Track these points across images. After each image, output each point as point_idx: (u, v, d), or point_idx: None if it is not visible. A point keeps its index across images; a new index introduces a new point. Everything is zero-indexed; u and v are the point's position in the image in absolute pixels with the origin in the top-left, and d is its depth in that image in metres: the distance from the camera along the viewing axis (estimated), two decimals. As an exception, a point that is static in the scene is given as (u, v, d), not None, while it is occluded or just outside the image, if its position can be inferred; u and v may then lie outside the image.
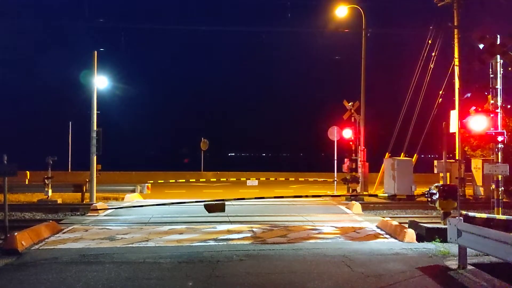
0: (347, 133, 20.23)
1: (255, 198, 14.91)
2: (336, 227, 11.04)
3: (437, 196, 9.70)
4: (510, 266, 6.28)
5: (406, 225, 10.26)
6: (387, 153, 21.94)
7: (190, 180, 28.40)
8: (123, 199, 17.94)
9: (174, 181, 26.20)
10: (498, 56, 10.89)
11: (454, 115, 18.21)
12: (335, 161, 20.69)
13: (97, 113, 17.31)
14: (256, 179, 23.62)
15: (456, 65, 18.97)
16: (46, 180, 16.98)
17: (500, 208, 10.95)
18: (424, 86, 21.23)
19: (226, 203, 11.97)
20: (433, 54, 20.75)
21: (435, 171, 19.25)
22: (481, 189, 18.92)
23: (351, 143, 20.36)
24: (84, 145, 17.61)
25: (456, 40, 19.00)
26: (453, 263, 7.31)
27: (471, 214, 10.61)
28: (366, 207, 15.92)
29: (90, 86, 17.45)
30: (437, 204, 9.76)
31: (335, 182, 20.79)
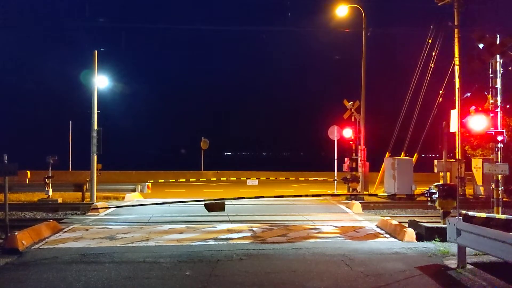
0: (347, 133, 20.24)
1: (255, 197, 14.92)
2: (336, 227, 11.06)
3: (437, 195, 9.71)
4: (510, 266, 6.30)
5: (406, 225, 10.27)
6: (387, 153, 21.94)
7: (191, 179, 28.41)
8: (123, 198, 17.96)
9: (174, 180, 26.22)
10: (498, 56, 10.90)
11: (454, 114, 18.17)
12: (335, 161, 20.70)
13: (97, 113, 17.32)
14: (256, 178, 23.63)
15: (457, 65, 18.97)
16: (46, 180, 17.01)
17: (500, 208, 10.97)
18: (424, 86, 21.23)
19: (226, 202, 12.01)
20: (433, 53, 20.75)
21: (435, 171, 19.25)
22: (481, 188, 18.92)
23: (351, 142, 20.37)
24: (85, 144, 17.62)
25: (456, 40, 18.99)
26: (452, 263, 7.32)
27: (470, 213, 10.62)
28: (366, 206, 15.94)
29: (90, 86, 17.46)
30: (436, 204, 9.77)
31: (335, 181, 20.81)
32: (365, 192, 19.72)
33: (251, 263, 7.46)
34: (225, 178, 30.23)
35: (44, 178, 17.15)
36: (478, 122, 10.86)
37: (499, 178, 11.02)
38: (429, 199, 10.07)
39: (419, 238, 9.38)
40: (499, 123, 10.98)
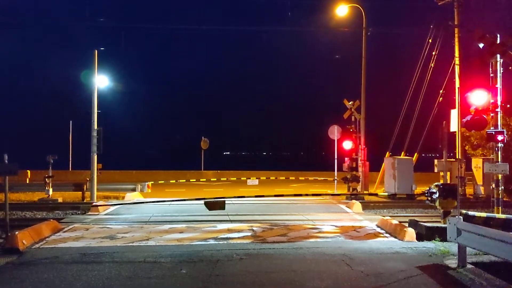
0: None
1: (256, 196, 14.92)
2: (336, 226, 11.06)
3: (437, 195, 9.71)
4: (510, 265, 6.30)
5: (406, 224, 10.28)
6: (387, 152, 21.95)
7: (191, 179, 28.41)
8: (123, 198, 17.97)
9: (174, 180, 26.21)
10: (498, 55, 10.90)
11: (454, 114, 18.20)
12: (336, 160, 20.70)
13: (97, 112, 17.33)
14: (256, 178, 23.61)
15: (457, 64, 18.97)
16: (46, 179, 17.01)
17: (500, 207, 10.97)
18: (424, 85, 21.24)
19: (227, 202, 12.01)
20: (433, 53, 20.75)
21: (436, 170, 19.25)
22: (482, 188, 18.92)
23: (351, 142, 20.36)
24: (85, 144, 17.62)
25: (456, 39, 18.98)
26: (452, 262, 7.32)
27: (471, 213, 10.63)
28: (366, 206, 15.94)
29: (90, 85, 17.46)
30: (437, 203, 9.77)
31: (336, 181, 20.81)
32: (365, 192, 19.73)
33: (251, 262, 7.47)
34: (225, 178, 30.23)
35: (44, 177, 17.15)
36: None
37: (499, 178, 11.02)
38: (429, 198, 10.07)
39: (419, 237, 9.38)
40: (499, 123, 10.98)
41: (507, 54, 10.83)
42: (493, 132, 10.88)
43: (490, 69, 11.12)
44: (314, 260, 7.59)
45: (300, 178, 29.10)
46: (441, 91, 20.41)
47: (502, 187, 11.14)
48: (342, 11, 21.40)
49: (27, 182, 23.63)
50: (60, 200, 17.16)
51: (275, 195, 15.76)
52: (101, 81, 18.06)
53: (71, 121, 31.54)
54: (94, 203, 14.82)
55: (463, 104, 15.53)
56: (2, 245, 8.43)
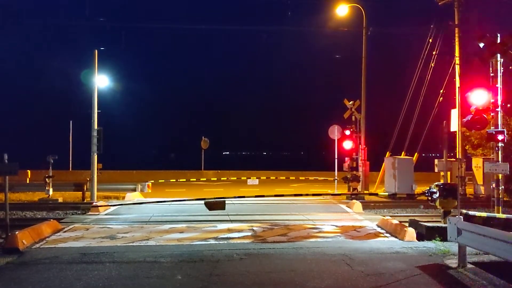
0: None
1: (256, 196, 14.91)
2: (336, 226, 11.06)
3: (437, 195, 9.70)
4: (510, 265, 6.29)
5: (407, 224, 10.27)
6: (387, 152, 21.95)
7: (191, 179, 28.41)
8: (124, 198, 17.96)
9: (174, 180, 26.21)
10: (499, 55, 10.89)
11: (454, 113, 18.19)
12: (336, 160, 20.70)
13: (97, 112, 17.33)
14: (256, 178, 23.60)
15: (457, 64, 18.95)
16: (47, 179, 17.01)
17: (500, 207, 10.96)
18: (424, 85, 21.25)
19: (227, 201, 12.00)
20: (434, 53, 20.75)
21: (436, 170, 19.25)
22: (482, 188, 18.92)
23: (351, 142, 20.36)
24: (85, 144, 17.62)
25: (456, 39, 18.97)
26: (453, 262, 7.32)
27: (471, 213, 10.62)
28: (366, 206, 15.94)
29: (90, 85, 17.45)
30: (437, 203, 9.77)
31: (336, 181, 20.80)
32: (365, 192, 19.74)
33: (252, 262, 7.46)
34: (225, 178, 30.24)
35: (44, 177, 17.15)
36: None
37: (500, 178, 11.01)
38: (429, 198, 10.06)
39: (420, 237, 9.38)
40: (499, 123, 10.98)
41: (507, 54, 10.82)
42: (494, 132, 10.87)
43: (491, 69, 11.11)
44: (314, 260, 7.58)
45: (301, 178, 29.09)
46: (441, 91, 20.42)
47: (503, 187, 11.14)
48: (342, 11, 21.41)
49: (27, 182, 23.65)
50: (60, 200, 17.16)
51: (275, 195, 15.76)
52: (101, 81, 18.05)
53: (71, 121, 31.56)
54: (94, 203, 14.81)
55: (464, 103, 15.52)
56: (2, 245, 8.43)
